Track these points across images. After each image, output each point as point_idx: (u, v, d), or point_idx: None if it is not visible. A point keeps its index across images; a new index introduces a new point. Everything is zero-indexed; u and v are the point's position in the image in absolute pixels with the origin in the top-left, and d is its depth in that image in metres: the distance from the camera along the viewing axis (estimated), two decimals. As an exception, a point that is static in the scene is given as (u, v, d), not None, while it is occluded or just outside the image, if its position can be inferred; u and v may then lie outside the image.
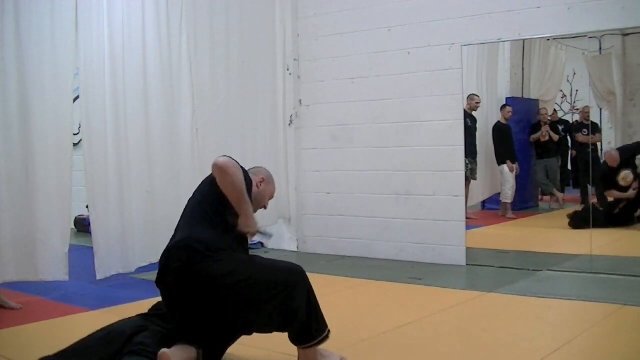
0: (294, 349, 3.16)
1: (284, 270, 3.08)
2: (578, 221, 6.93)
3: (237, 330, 3.15)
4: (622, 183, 7.02)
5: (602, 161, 7.21)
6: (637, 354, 3.44)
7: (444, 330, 3.96)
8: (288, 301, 2.98)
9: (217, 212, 3.14)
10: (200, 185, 3.31)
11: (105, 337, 3.04)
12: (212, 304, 2.99)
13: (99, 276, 5.07)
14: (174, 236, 3.14)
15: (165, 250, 3.07)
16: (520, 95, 7.92)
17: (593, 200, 7.23)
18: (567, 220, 7.09)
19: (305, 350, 3.12)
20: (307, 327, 3.05)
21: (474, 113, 6.98)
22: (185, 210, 3.23)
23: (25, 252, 4.71)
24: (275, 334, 3.15)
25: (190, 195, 3.35)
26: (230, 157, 3.14)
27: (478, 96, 7.07)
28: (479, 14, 5.75)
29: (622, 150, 7.06)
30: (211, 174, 3.23)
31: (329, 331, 3.13)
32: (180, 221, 3.20)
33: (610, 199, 7.14)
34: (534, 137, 7.90)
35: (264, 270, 3.04)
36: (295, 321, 3.02)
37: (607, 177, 7.10)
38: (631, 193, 6.95)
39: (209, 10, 6.01)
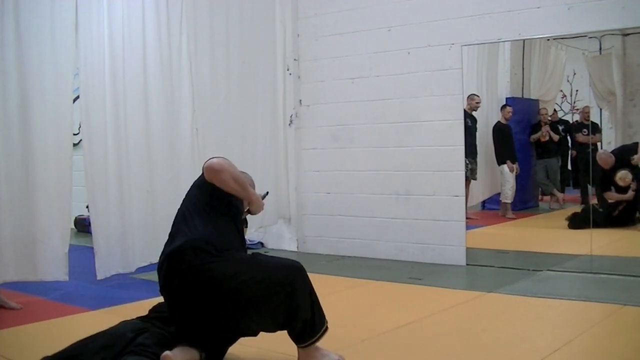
0: (293, 349, 3.16)
1: (284, 267, 3.08)
2: (577, 222, 6.93)
3: (240, 330, 3.15)
4: (620, 183, 7.01)
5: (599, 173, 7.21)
6: (637, 354, 3.45)
7: (444, 330, 3.96)
8: (290, 298, 2.99)
9: (215, 211, 3.16)
10: (189, 191, 3.32)
11: (106, 339, 3.04)
12: (215, 305, 2.99)
13: (99, 276, 5.07)
14: (172, 241, 3.11)
15: (167, 255, 3.05)
16: (520, 95, 7.91)
17: (593, 200, 7.23)
18: (567, 220, 7.10)
19: (306, 349, 3.11)
20: (311, 322, 3.06)
21: (474, 113, 6.98)
22: (178, 215, 3.22)
23: (25, 252, 4.71)
24: (276, 334, 3.16)
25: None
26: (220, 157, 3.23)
27: (478, 96, 7.07)
28: (479, 14, 5.75)
29: (621, 150, 7.06)
30: (198, 178, 3.29)
31: (326, 321, 3.15)
32: (177, 225, 3.17)
33: (610, 201, 7.13)
34: (534, 137, 7.90)
35: (265, 270, 3.03)
36: (298, 318, 3.02)
37: (604, 178, 7.09)
38: (630, 194, 6.95)
39: (209, 10, 6.01)
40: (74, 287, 5.08)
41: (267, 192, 3.61)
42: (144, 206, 5.44)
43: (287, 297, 2.98)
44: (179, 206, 3.30)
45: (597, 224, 6.12)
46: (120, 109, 5.29)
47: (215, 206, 3.18)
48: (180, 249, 3.00)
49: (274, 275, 3.00)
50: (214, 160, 3.18)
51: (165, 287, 3.08)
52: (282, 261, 3.18)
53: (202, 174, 3.23)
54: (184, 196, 3.34)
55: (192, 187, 3.32)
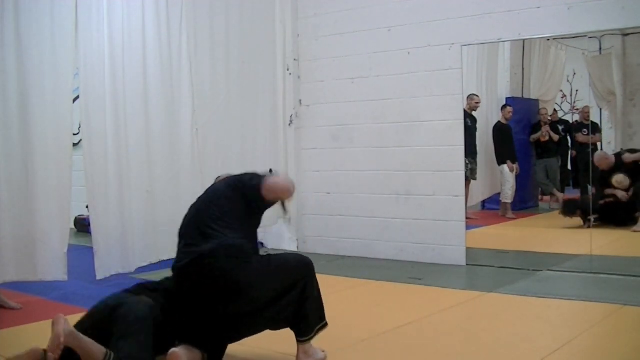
0: (293, 349, 3.18)
1: (298, 267, 3.17)
2: (569, 208, 7.01)
3: (251, 331, 3.18)
4: (616, 186, 7.01)
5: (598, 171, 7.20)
6: (637, 354, 3.45)
7: (444, 330, 3.96)
8: (300, 296, 3.10)
9: (247, 217, 3.21)
10: (218, 193, 3.29)
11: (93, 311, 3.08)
12: (235, 308, 3.03)
13: (99, 276, 5.07)
14: (204, 239, 3.06)
15: (199, 256, 3.01)
16: (520, 95, 7.92)
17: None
18: (566, 221, 7.10)
19: (305, 344, 3.17)
20: (314, 317, 3.15)
21: (473, 113, 6.99)
22: (207, 211, 3.18)
23: (25, 252, 4.71)
24: (275, 334, 3.17)
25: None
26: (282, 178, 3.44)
27: (478, 96, 7.07)
28: (479, 14, 5.75)
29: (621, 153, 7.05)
30: (229, 178, 3.34)
31: (325, 318, 3.23)
32: (202, 227, 3.12)
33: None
34: (534, 137, 7.90)
35: (282, 273, 3.11)
36: (303, 313, 3.11)
37: (602, 179, 7.08)
38: (622, 194, 6.93)
39: (209, 10, 6.01)
40: (73, 287, 5.07)
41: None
42: (144, 206, 5.44)
43: (298, 295, 3.09)
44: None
45: (587, 213, 6.26)
46: (120, 109, 5.29)
47: (250, 215, 3.22)
48: (214, 253, 2.99)
49: (290, 277, 3.10)
50: (288, 184, 3.34)
51: (188, 287, 3.06)
52: (295, 260, 3.23)
53: (245, 184, 3.25)
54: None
55: (222, 190, 3.29)
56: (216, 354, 3.14)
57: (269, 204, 3.34)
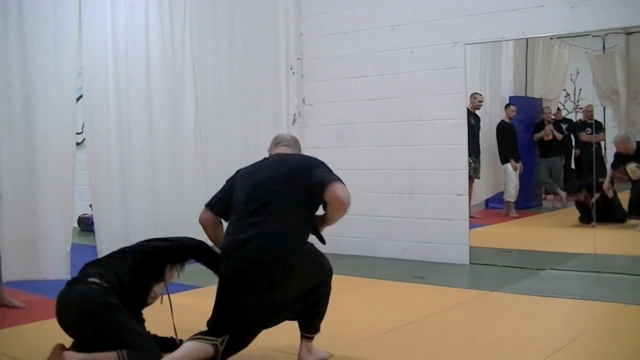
0: (292, 348, 3.21)
1: (328, 267, 3.30)
2: (572, 188, 7.18)
3: (276, 318, 3.19)
4: (630, 174, 6.96)
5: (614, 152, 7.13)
6: (641, 353, 3.45)
7: (447, 329, 3.96)
8: (320, 294, 3.20)
9: (306, 205, 3.27)
10: (291, 165, 3.37)
11: None
12: (278, 292, 3.07)
13: (102, 275, 5.07)
14: (257, 220, 3.07)
15: (259, 234, 3.02)
16: (523, 94, 7.91)
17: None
18: (570, 219, 7.08)
19: (309, 342, 3.22)
20: (323, 315, 3.23)
21: (477, 112, 6.98)
22: (267, 191, 3.18)
23: (28, 251, 4.73)
24: (275, 332, 3.20)
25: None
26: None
27: (481, 95, 7.06)
28: (482, 13, 5.74)
29: None
30: (303, 160, 3.42)
31: None
32: (265, 206, 3.12)
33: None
34: (538, 135, 7.89)
35: (320, 269, 3.23)
36: (318, 309, 3.20)
37: (618, 162, 7.01)
38: (607, 186, 6.90)
39: (212, 9, 6.01)
40: (77, 286, 5.07)
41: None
42: (147, 205, 5.44)
43: (320, 292, 3.19)
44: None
45: (591, 192, 6.45)
46: (124, 108, 5.29)
47: (306, 204, 3.27)
48: (280, 233, 3.05)
49: (322, 275, 3.22)
50: (348, 195, 3.23)
51: (243, 264, 3.04)
52: (326, 260, 3.32)
53: (316, 175, 3.22)
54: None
55: (294, 167, 3.34)
56: (239, 342, 3.11)
57: (320, 203, 3.30)
